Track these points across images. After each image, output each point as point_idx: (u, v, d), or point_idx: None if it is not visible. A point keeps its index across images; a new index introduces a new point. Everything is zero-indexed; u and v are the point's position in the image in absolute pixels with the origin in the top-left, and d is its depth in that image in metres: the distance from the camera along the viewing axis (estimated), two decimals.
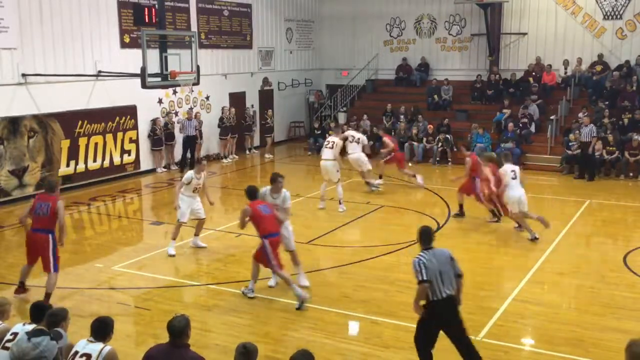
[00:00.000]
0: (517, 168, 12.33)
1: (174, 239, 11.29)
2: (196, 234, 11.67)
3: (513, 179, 11.91)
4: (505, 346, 7.73)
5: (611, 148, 17.79)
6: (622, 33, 21.03)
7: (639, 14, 20.71)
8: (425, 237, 6.76)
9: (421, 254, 6.62)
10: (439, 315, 6.63)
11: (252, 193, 9.24)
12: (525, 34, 22.39)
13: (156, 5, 15.14)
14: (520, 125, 19.86)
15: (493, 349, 7.62)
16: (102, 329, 5.45)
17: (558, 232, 12.52)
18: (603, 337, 7.92)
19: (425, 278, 6.45)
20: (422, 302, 6.62)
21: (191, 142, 19.13)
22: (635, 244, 11.78)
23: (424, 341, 6.73)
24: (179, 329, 5.26)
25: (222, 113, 20.75)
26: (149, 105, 18.35)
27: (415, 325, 6.85)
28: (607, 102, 19.51)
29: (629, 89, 19.63)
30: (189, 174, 11.30)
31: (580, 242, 12.38)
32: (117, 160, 17.60)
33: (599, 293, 9.44)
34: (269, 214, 9.03)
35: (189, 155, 19.08)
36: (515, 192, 11.87)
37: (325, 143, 14.81)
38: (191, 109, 19.80)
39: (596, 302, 9.09)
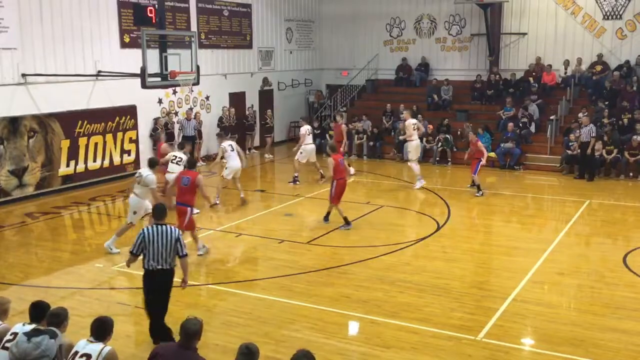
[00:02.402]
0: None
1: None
2: None
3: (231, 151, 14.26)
4: (505, 346, 7.72)
5: (610, 147, 17.79)
6: (622, 33, 21.03)
7: (638, 14, 20.70)
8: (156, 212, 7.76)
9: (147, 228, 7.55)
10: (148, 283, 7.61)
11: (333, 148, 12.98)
12: (525, 34, 22.38)
13: (156, 5, 15.13)
14: (520, 125, 19.86)
15: (493, 349, 7.62)
16: (102, 329, 5.45)
17: (558, 232, 12.53)
18: (603, 337, 7.92)
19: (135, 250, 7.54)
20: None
21: (190, 142, 19.12)
22: (635, 244, 11.78)
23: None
24: (193, 331, 5.27)
25: (222, 113, 20.77)
26: (149, 105, 18.35)
27: (416, 326, 6.85)
28: (607, 102, 19.50)
29: (629, 89, 19.62)
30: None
31: (580, 242, 12.38)
32: (117, 160, 17.59)
33: (599, 293, 9.44)
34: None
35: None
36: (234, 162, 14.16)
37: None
38: (191, 109, 19.80)
39: (596, 302, 9.09)
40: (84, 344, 5.36)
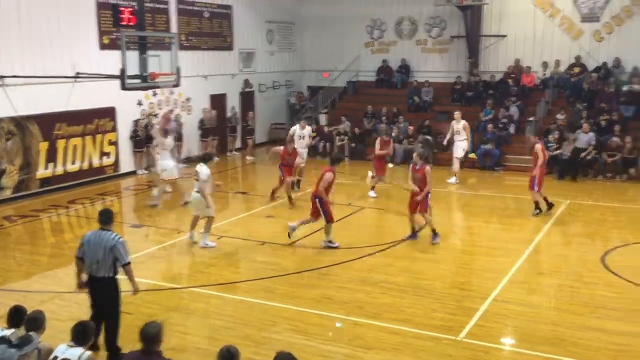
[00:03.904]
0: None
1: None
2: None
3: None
4: (486, 346, 7.77)
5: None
6: (599, 35, 21.30)
7: (616, 16, 20.99)
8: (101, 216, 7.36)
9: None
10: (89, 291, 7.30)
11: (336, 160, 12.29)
12: (504, 36, 22.58)
13: (135, 7, 15.03)
14: (500, 126, 20.03)
15: (474, 349, 7.67)
16: (82, 333, 5.38)
17: (538, 232, 12.65)
18: (583, 336, 8.00)
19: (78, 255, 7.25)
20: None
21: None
22: (613, 243, 11.93)
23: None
24: (152, 334, 5.21)
25: (203, 115, 20.69)
26: (129, 107, 18.21)
27: (398, 327, 6.86)
28: (585, 104, 19.74)
29: (607, 91, 19.89)
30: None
31: (560, 242, 12.51)
32: (96, 162, 17.43)
33: (578, 292, 9.54)
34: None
35: None
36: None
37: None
38: (171, 110, 19.70)
39: (576, 301, 9.19)
40: (64, 349, 5.29)
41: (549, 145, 18.45)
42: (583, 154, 17.76)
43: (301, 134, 16.71)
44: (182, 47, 19.38)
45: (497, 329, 8.33)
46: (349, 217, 13.90)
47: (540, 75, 21.76)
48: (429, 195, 11.70)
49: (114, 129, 17.90)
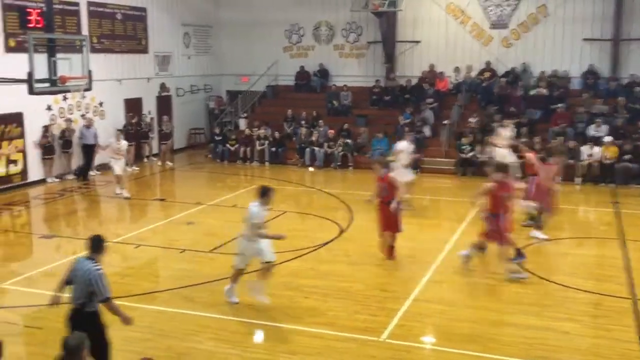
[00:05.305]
0: None
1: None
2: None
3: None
4: (408, 345, 7.91)
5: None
6: (507, 42, 22.24)
7: (522, 23, 21.98)
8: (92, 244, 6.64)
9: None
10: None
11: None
12: (418, 42, 23.17)
13: (44, 8, 14.38)
14: (416, 129, 20.50)
15: (396, 349, 7.78)
16: None
17: (454, 232, 13.00)
18: (498, 332, 8.29)
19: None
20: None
21: (90, 151, 18.42)
22: (528, 241, 12.40)
23: None
24: (72, 346, 5.01)
25: (127, 120, 20.35)
26: (37, 112, 17.38)
27: (321, 330, 6.84)
28: (496, 107, 20.54)
29: (515, 95, 20.77)
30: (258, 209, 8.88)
31: (474, 241, 12.88)
32: (2, 171, 16.53)
33: (493, 290, 9.87)
34: None
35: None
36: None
37: None
38: (83, 115, 19.01)
39: (490, 298, 9.51)
40: None
41: (463, 147, 19.07)
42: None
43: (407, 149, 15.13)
44: (94, 50, 18.71)
45: (418, 328, 8.50)
46: (270, 221, 13.79)
47: (453, 80, 22.47)
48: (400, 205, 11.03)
49: (21, 135, 17.03)
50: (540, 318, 8.74)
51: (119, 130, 17.84)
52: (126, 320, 6.64)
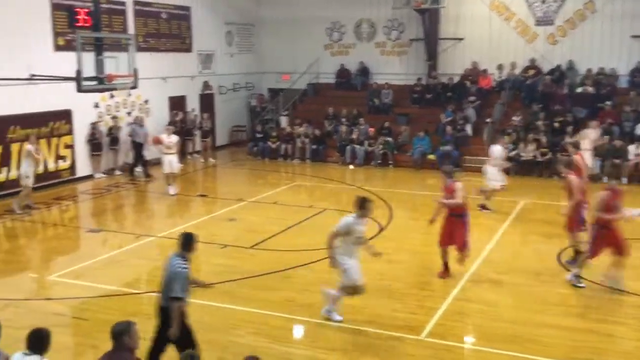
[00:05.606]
0: None
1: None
2: None
3: None
4: (447, 345, 7.88)
5: (544, 149, 18.41)
6: (553, 38, 21.83)
7: (568, 20, 21.54)
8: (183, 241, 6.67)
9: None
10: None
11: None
12: (461, 39, 22.93)
13: (91, 8, 14.76)
14: (458, 128, 20.34)
15: (435, 348, 7.76)
16: (38, 341, 5.26)
17: (496, 231, 12.86)
18: (540, 333, 8.18)
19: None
20: None
21: (140, 148, 18.86)
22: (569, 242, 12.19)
23: None
24: (115, 331, 5.23)
25: (171, 118, 20.69)
26: (85, 110, 17.86)
27: (360, 327, 6.88)
28: (540, 105, 20.19)
29: (560, 93, 20.38)
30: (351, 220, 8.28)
31: (517, 241, 12.74)
32: (51, 166, 17.04)
33: (534, 290, 9.74)
34: None
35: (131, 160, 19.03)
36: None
37: None
38: (129, 113, 19.44)
39: (532, 299, 9.38)
40: (20, 357, 5.18)
41: (506, 146, 18.80)
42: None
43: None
44: (140, 49, 19.08)
45: (458, 327, 8.46)
46: (310, 218, 13.91)
47: (496, 78, 22.17)
48: (467, 218, 10.08)
49: (70, 132, 17.53)
50: (584, 320, 8.60)
51: (169, 125, 17.98)
52: (173, 331, 6.50)
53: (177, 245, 6.70)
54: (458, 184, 10.09)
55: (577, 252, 10.61)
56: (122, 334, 5.18)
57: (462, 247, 10.08)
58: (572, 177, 10.55)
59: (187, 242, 6.63)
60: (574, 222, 10.52)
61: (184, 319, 6.60)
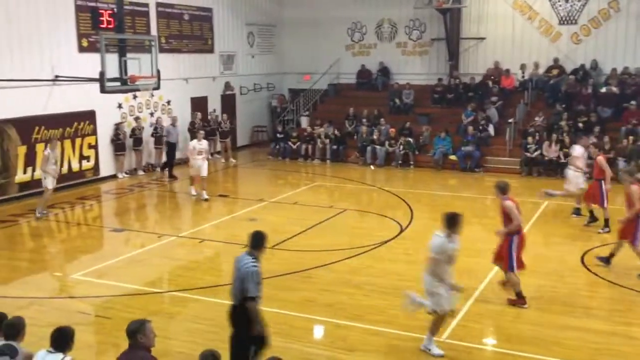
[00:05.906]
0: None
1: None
2: None
3: None
4: (469, 346, 7.82)
5: (568, 150, 18.17)
6: (577, 38, 21.57)
7: (593, 19, 21.27)
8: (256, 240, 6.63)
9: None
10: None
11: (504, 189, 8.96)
12: (483, 38, 22.76)
13: (115, 9, 14.92)
14: (480, 128, 20.19)
15: (457, 350, 7.71)
16: (62, 338, 5.33)
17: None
18: (563, 336, 8.08)
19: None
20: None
21: (172, 149, 19.03)
22: (593, 244, 12.05)
23: None
24: (129, 330, 5.26)
25: (192, 118, 20.82)
26: (109, 110, 18.06)
27: (380, 328, 6.86)
28: (563, 105, 19.97)
29: (584, 93, 20.13)
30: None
31: (540, 242, 12.59)
32: (75, 166, 17.26)
33: (558, 292, 9.63)
34: None
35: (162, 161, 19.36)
36: None
37: None
38: (152, 114, 19.63)
39: (556, 301, 9.28)
40: (44, 355, 5.25)
41: (528, 146, 18.64)
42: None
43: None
44: (162, 50, 19.27)
45: (479, 329, 8.39)
46: (330, 219, 13.91)
47: (519, 78, 21.97)
48: (514, 240, 9.04)
49: (93, 132, 17.73)
50: (608, 323, 8.48)
51: (201, 130, 17.96)
52: (255, 330, 6.39)
53: (248, 243, 6.66)
54: (508, 202, 8.91)
55: (612, 255, 10.58)
56: (136, 332, 5.22)
57: (506, 267, 9.14)
58: (635, 187, 10.19)
59: (258, 240, 6.59)
60: (630, 231, 10.27)
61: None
